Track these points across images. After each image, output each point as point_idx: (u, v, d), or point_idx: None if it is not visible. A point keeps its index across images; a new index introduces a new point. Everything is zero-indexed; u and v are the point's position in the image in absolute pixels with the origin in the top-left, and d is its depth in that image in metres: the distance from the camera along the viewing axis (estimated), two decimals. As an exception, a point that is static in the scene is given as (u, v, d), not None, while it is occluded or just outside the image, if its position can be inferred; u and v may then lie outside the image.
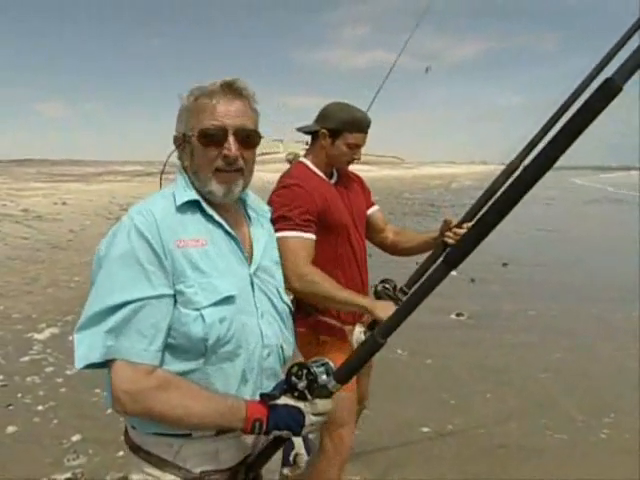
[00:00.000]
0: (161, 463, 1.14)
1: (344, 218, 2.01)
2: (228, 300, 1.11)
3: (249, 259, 1.22)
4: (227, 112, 1.15)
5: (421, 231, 2.33)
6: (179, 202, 1.14)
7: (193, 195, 1.16)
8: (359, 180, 2.28)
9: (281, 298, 1.28)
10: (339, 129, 1.98)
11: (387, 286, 1.99)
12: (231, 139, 1.14)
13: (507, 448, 3.08)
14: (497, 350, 4.73)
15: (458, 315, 5.69)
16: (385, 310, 1.73)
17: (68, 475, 2.74)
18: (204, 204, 1.17)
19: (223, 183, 1.17)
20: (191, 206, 1.16)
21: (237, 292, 1.13)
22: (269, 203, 1.87)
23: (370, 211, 2.26)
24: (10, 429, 3.20)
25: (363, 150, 2.09)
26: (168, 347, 1.09)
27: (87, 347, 1.04)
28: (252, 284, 1.20)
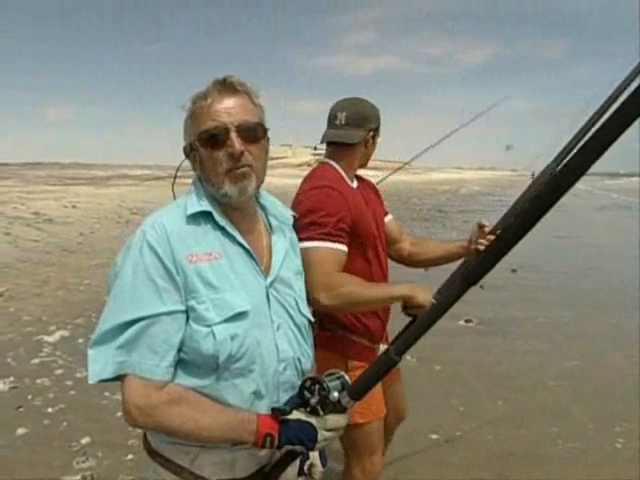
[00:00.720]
0: (178, 470, 1.14)
1: (372, 227, 1.88)
2: (241, 316, 1.09)
3: (267, 270, 1.20)
4: (224, 109, 1.11)
5: (445, 240, 2.19)
6: (188, 212, 1.12)
7: (205, 206, 1.14)
8: (374, 187, 2.14)
9: (299, 310, 1.25)
10: (379, 125, 1.91)
11: None
12: (233, 135, 1.10)
13: (517, 455, 3.05)
14: (507, 356, 4.70)
15: (467, 321, 5.66)
16: (425, 295, 1.58)
17: (77, 478, 2.74)
18: (217, 216, 1.14)
19: (235, 183, 1.12)
20: (204, 217, 1.14)
21: (250, 307, 1.11)
22: (295, 205, 1.75)
23: (385, 220, 2.11)
24: (20, 431, 3.22)
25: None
26: (181, 362, 1.09)
27: (100, 363, 1.05)
28: (268, 296, 1.17)
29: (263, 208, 1.30)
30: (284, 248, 1.27)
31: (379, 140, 1.94)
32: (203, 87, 1.15)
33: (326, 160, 1.92)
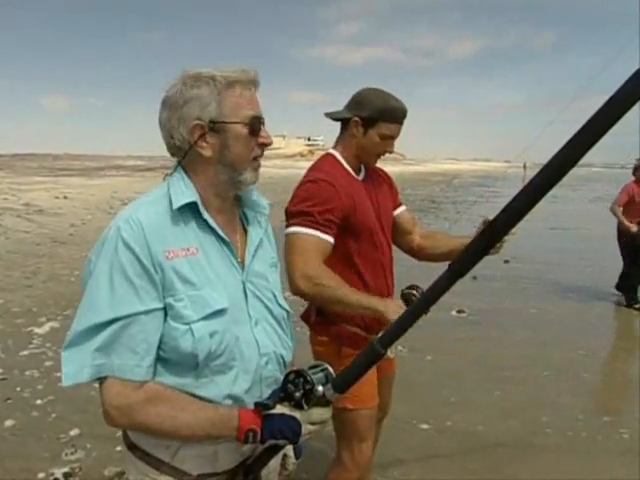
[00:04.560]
0: (158, 464, 1.11)
1: (370, 219, 1.86)
2: (219, 313, 1.06)
3: (242, 263, 1.17)
4: (255, 101, 1.13)
5: (454, 236, 2.13)
6: (176, 205, 1.07)
7: (192, 196, 1.10)
8: (387, 178, 2.11)
9: (277, 302, 1.23)
10: (374, 117, 1.81)
11: (414, 292, 1.81)
12: (266, 127, 1.14)
13: (507, 446, 3.06)
14: (498, 347, 4.71)
15: (459, 312, 5.67)
16: (398, 313, 1.47)
17: (66, 469, 2.73)
18: (201, 207, 1.10)
19: (255, 171, 1.15)
20: (184, 211, 1.09)
21: (229, 303, 1.08)
22: (292, 197, 1.79)
23: (397, 212, 2.10)
24: (8, 423, 3.20)
25: None
26: (159, 360, 1.06)
27: (76, 366, 1.01)
28: (245, 291, 1.15)
29: (238, 199, 1.25)
30: (258, 239, 1.23)
31: (375, 139, 1.85)
32: (222, 65, 1.12)
33: (330, 150, 1.95)
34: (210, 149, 1.10)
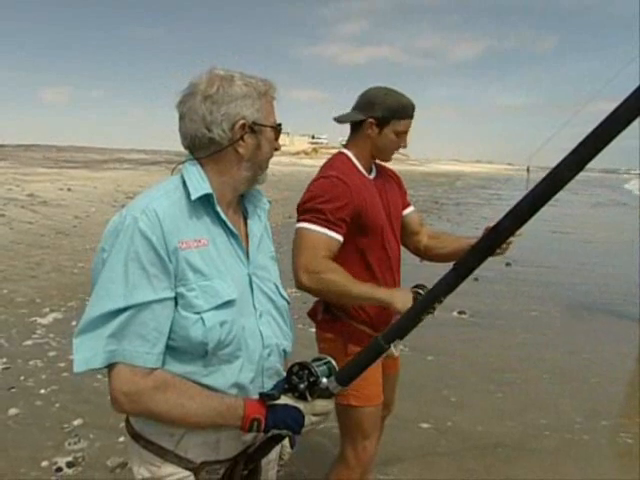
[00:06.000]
0: (161, 452, 1.14)
1: (380, 217, 1.89)
2: (229, 304, 1.10)
3: (246, 256, 1.21)
4: None
5: (461, 237, 2.15)
6: (195, 196, 1.10)
7: (207, 188, 1.13)
8: (397, 178, 2.14)
9: (280, 293, 1.28)
10: (387, 117, 1.84)
11: (420, 291, 1.80)
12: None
13: (506, 447, 3.08)
14: (498, 349, 4.73)
15: (460, 313, 5.69)
16: (404, 302, 1.61)
17: (69, 459, 2.75)
18: (215, 200, 1.14)
19: (266, 170, 1.25)
20: (196, 203, 1.12)
21: (237, 295, 1.12)
22: (305, 192, 1.83)
23: (406, 212, 2.12)
24: (12, 411, 3.22)
25: None
26: (168, 348, 1.08)
27: (88, 352, 1.04)
28: (251, 284, 1.19)
29: (241, 194, 1.28)
30: (259, 232, 1.28)
31: (391, 136, 1.88)
32: (252, 71, 1.20)
33: (342, 149, 1.98)
34: (245, 148, 1.16)
